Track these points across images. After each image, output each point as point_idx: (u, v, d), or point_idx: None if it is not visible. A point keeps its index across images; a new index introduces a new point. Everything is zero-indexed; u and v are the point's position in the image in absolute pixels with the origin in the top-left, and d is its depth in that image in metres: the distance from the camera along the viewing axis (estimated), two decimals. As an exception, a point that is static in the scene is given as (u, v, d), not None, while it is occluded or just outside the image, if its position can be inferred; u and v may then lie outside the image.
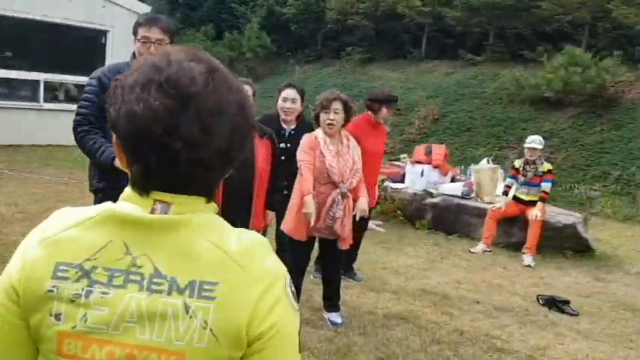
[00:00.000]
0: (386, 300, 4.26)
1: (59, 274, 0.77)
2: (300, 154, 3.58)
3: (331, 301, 3.80)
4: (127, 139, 0.79)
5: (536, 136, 6.36)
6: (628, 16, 12.94)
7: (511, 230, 6.27)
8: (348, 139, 3.72)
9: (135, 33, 2.78)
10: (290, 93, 4.00)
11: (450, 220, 6.63)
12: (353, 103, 3.76)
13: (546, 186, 6.05)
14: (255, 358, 0.79)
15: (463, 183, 6.95)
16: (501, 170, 7.23)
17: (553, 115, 12.08)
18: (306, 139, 3.65)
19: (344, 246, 3.67)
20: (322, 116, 3.57)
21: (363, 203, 3.62)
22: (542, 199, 6.03)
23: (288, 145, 3.90)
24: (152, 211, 0.79)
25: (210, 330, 0.76)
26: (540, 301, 4.52)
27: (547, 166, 6.09)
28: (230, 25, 20.22)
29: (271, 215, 3.68)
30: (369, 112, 4.55)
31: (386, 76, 15.37)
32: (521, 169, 6.12)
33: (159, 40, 2.71)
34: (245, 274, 0.79)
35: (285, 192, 3.76)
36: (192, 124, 0.76)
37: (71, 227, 0.80)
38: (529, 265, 5.59)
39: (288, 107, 3.98)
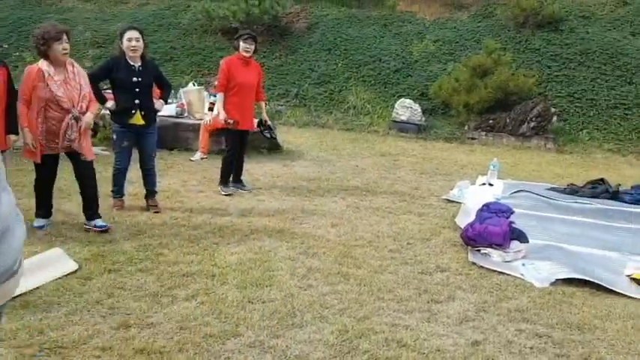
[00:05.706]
0: (139, 201, 5.15)
1: None
2: (20, 89, 3.98)
3: (92, 210, 4.31)
4: None
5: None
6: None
7: (220, 139, 7.65)
8: (73, 66, 4.12)
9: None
10: (134, 33, 4.64)
11: (170, 138, 7.64)
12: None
13: None
14: None
15: (176, 104, 7.99)
16: (205, 92, 8.45)
17: (242, 44, 13.82)
18: (27, 72, 3.96)
19: (89, 157, 4.27)
20: (56, 46, 3.92)
21: (88, 117, 4.17)
22: None
23: (140, 79, 4.67)
24: None
25: None
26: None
27: None
28: None
29: (14, 138, 4.11)
30: (236, 52, 5.67)
31: (78, 7, 14.73)
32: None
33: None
34: None
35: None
36: None
37: None
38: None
39: (134, 45, 4.60)
